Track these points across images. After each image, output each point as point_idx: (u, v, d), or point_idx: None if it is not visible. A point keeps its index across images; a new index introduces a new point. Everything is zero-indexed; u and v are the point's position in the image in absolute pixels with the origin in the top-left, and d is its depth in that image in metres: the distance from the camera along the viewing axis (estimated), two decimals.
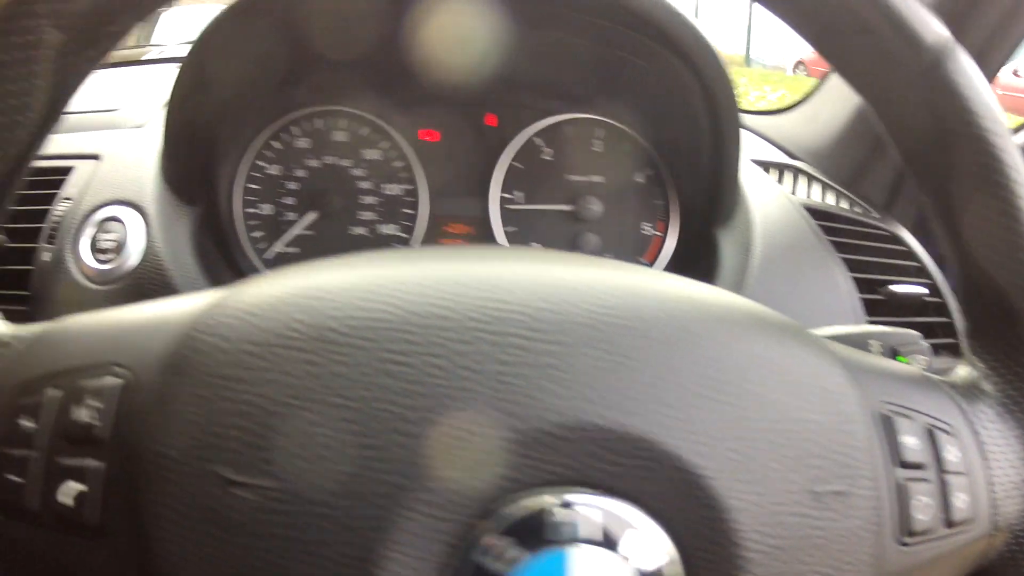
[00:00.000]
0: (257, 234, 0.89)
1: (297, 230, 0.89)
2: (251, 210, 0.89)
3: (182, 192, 0.84)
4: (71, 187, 0.85)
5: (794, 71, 13.71)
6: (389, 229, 0.92)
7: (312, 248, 0.90)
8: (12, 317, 0.48)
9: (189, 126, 0.83)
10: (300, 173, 0.89)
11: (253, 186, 0.89)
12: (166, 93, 0.81)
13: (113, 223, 0.81)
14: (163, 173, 0.83)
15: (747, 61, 13.85)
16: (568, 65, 0.91)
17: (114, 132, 0.94)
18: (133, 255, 0.79)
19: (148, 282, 0.78)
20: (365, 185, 0.91)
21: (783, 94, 11.13)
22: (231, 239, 0.90)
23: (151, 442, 0.32)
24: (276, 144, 0.90)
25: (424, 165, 0.92)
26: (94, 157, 0.88)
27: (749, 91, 11.46)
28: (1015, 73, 12.18)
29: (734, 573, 0.31)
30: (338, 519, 0.30)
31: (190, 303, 0.37)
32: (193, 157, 0.85)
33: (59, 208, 0.84)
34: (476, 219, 0.93)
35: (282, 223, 0.89)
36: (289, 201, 0.89)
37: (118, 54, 1.07)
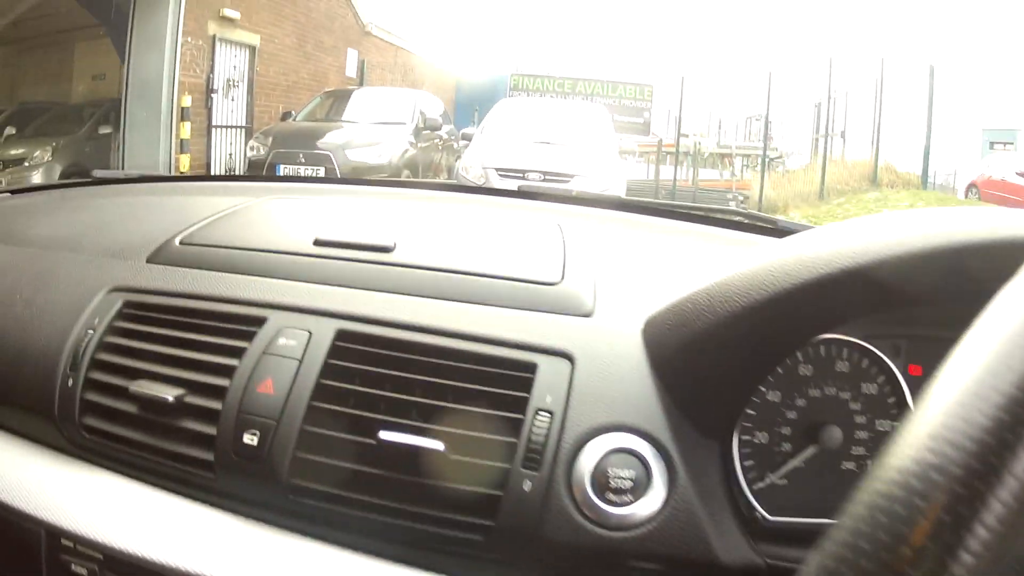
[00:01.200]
0: (748, 463, 0.82)
1: (795, 463, 0.81)
2: (746, 437, 0.82)
3: (701, 422, 0.78)
4: (540, 394, 0.80)
5: (966, 195, 13.41)
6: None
7: (801, 482, 0.82)
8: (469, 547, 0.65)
9: (711, 339, 0.77)
10: (800, 402, 0.83)
11: (751, 412, 0.82)
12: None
13: (622, 456, 0.75)
14: (678, 397, 0.79)
15: (924, 183, 13.42)
16: None
17: (576, 325, 0.88)
18: (655, 499, 0.74)
19: (674, 534, 0.73)
20: (860, 420, 0.84)
21: None
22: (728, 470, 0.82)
23: None
24: (778, 369, 0.83)
25: (914, 401, 0.84)
26: (565, 356, 0.83)
27: None
28: (1021, 175, 12.23)
29: None
30: None
31: None
32: (708, 378, 0.79)
33: (539, 423, 0.78)
34: None
35: (776, 454, 0.82)
36: (785, 431, 0.82)
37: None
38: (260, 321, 0.92)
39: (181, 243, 1.14)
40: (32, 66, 9.84)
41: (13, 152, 8.38)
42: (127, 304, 1.01)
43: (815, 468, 0.82)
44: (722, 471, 0.78)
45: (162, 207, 1.41)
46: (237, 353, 0.89)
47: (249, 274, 1.03)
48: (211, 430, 0.85)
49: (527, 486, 0.75)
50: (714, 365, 0.78)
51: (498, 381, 0.82)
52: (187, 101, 9.38)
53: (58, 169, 8.24)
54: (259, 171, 8.02)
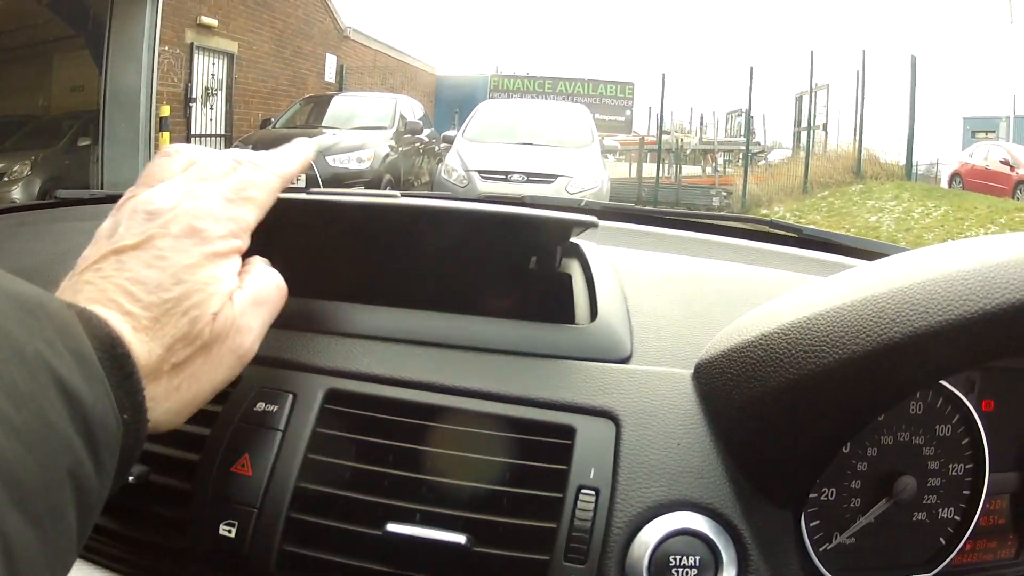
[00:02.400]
0: (814, 523, 0.70)
1: (866, 520, 0.70)
2: (812, 495, 0.70)
3: (774, 492, 0.66)
4: (582, 466, 0.66)
5: (950, 184, 13.43)
6: (946, 513, 0.75)
7: (869, 537, 0.71)
8: None
9: (792, 395, 0.63)
10: (871, 452, 0.72)
11: None
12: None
13: (684, 539, 0.62)
14: (746, 464, 0.67)
15: (908, 174, 13.40)
16: None
17: (616, 375, 0.73)
18: None
19: None
20: (933, 465, 0.74)
21: (946, 211, 10.98)
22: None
23: None
24: None
25: (989, 440, 0.75)
26: (608, 416, 0.69)
27: (912, 208, 11.30)
28: (1005, 162, 12.36)
29: None
30: None
31: None
32: (786, 440, 0.66)
33: (583, 503, 0.64)
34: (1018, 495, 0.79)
35: (844, 511, 0.71)
36: (855, 485, 0.71)
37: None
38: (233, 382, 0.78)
39: None
40: (8, 79, 9.76)
41: None
42: None
43: (884, 521, 0.71)
44: (795, 541, 0.67)
45: None
46: (207, 420, 0.73)
47: None
48: (184, 514, 0.70)
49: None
50: (794, 425, 0.64)
51: (530, 451, 0.68)
52: (166, 111, 9.32)
53: (37, 183, 8.12)
54: None
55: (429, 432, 0.71)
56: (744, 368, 0.66)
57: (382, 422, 0.72)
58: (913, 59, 12.74)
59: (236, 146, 8.89)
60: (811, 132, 14.87)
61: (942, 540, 0.74)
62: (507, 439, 0.69)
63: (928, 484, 0.73)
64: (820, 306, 0.63)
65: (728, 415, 0.68)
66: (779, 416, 0.64)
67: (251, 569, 0.68)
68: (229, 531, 0.68)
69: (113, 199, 1.57)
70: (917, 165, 13.95)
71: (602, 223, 1.03)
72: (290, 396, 0.74)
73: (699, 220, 1.38)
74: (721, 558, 0.61)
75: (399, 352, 0.79)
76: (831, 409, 0.62)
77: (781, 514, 0.65)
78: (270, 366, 0.78)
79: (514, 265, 1.04)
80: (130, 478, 0.71)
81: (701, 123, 17.83)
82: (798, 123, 15.47)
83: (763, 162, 15.36)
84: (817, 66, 14.59)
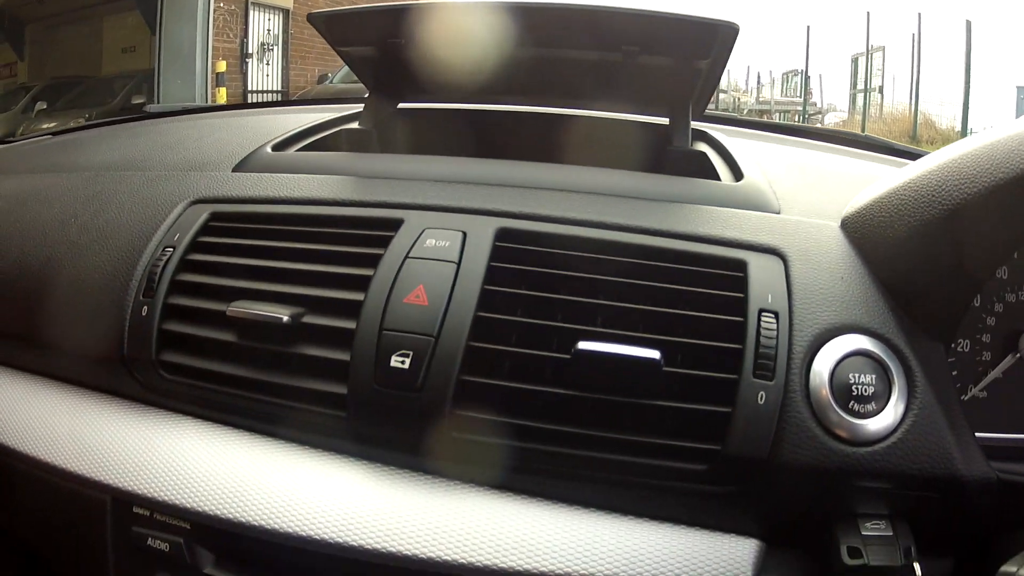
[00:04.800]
0: (953, 373, 0.72)
1: (995, 373, 0.72)
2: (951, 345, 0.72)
3: (929, 323, 0.68)
4: (759, 293, 0.69)
5: None
6: None
7: (1003, 392, 0.72)
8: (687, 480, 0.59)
9: (940, 229, 0.67)
10: (998, 308, 0.73)
11: None
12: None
13: (860, 359, 0.65)
14: (902, 297, 0.69)
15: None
16: None
17: (773, 222, 0.77)
18: (896, 408, 0.64)
19: (918, 446, 0.63)
20: None
21: None
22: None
23: None
24: None
25: None
26: (775, 253, 0.73)
27: None
28: None
29: None
30: None
31: None
32: (935, 273, 0.69)
33: (766, 324, 0.67)
34: None
35: (977, 363, 0.72)
36: (985, 339, 0.72)
37: None
38: (395, 224, 0.76)
39: (275, 148, 0.99)
40: (60, 43, 9.84)
41: (45, 126, 8.37)
42: (215, 216, 0.83)
43: (1014, 379, 0.73)
44: (948, 379, 0.68)
45: (240, 124, 1.17)
46: (370, 261, 0.73)
47: (371, 176, 0.87)
48: (342, 355, 0.69)
49: (761, 399, 0.63)
50: (943, 258, 0.68)
51: (704, 281, 0.70)
52: (222, 67, 9.35)
53: None
54: None
55: (604, 265, 0.71)
56: (894, 209, 0.71)
57: (555, 256, 0.72)
58: (968, 24, 12.39)
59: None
60: (867, 94, 14.55)
61: None
62: (683, 270, 0.71)
63: None
64: (963, 148, 0.67)
65: (883, 253, 0.72)
66: (931, 247, 0.68)
67: (424, 403, 0.66)
68: (402, 362, 0.66)
69: (205, 109, 1.59)
70: (972, 131, 13.64)
71: (716, 127, 1.11)
72: (460, 234, 0.73)
73: (801, 130, 1.40)
74: (893, 378, 0.65)
75: (565, 198, 0.80)
76: (977, 237, 0.66)
77: (936, 346, 0.68)
78: (433, 211, 0.77)
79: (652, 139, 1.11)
80: (283, 318, 0.71)
81: (758, 82, 17.54)
82: (854, 85, 15.14)
83: (819, 124, 15.07)
84: (873, 28, 14.26)
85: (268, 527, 0.65)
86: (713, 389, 0.65)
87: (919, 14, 13.17)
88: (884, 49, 14.59)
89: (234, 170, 0.92)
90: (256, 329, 0.72)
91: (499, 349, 0.67)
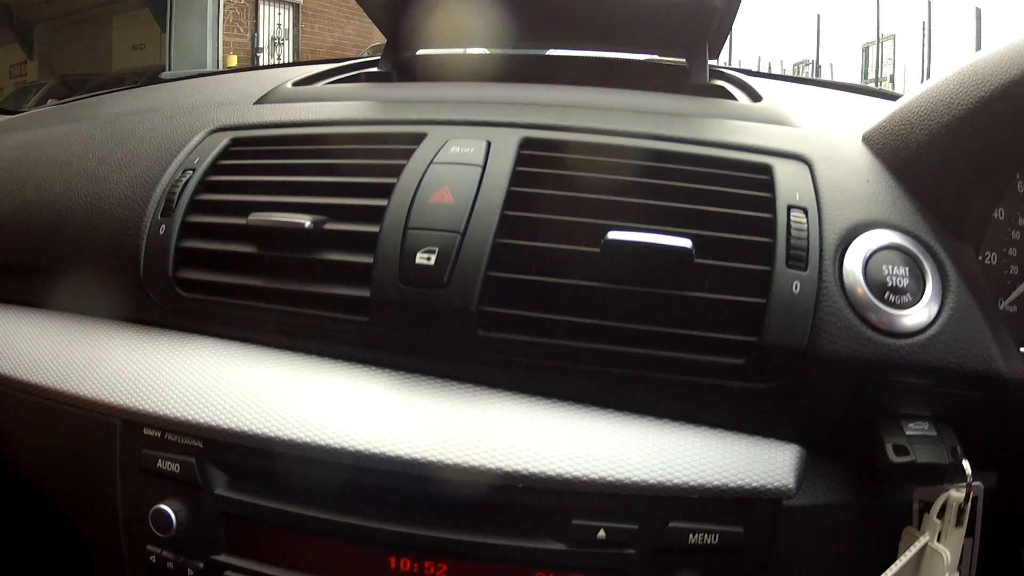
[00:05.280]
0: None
1: (1022, 289, 0.71)
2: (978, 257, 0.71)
3: (955, 223, 0.68)
4: (786, 192, 0.68)
5: None
6: None
7: None
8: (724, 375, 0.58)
9: (960, 130, 0.67)
10: (1022, 222, 0.72)
11: None
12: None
13: (891, 252, 0.64)
14: (928, 198, 0.68)
15: None
16: None
17: (796, 133, 0.78)
18: (932, 301, 0.63)
19: (957, 340, 0.61)
20: None
21: None
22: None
23: None
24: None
25: None
26: (799, 159, 0.72)
27: None
28: None
29: None
30: None
31: None
32: (957, 174, 0.68)
33: (795, 218, 0.66)
34: None
35: (1005, 277, 0.72)
36: (1012, 252, 0.72)
37: None
38: (418, 138, 0.75)
39: (296, 84, 0.97)
40: (69, 41, 9.90)
41: None
42: (236, 141, 0.82)
43: None
44: (979, 280, 0.67)
45: (259, 74, 1.17)
46: (394, 171, 0.72)
47: (393, 101, 0.86)
48: (365, 259, 0.67)
49: (796, 288, 0.62)
50: (963, 159, 0.67)
51: (731, 182, 0.69)
52: (234, 60, 9.39)
53: None
54: None
55: (631, 168, 0.70)
56: (914, 117, 0.71)
57: (580, 161, 0.71)
58: (978, 11, 12.35)
59: None
60: (878, 84, 14.52)
61: None
62: (708, 173, 0.70)
63: None
64: (979, 55, 0.68)
65: (905, 158, 0.71)
66: (951, 149, 0.67)
67: (450, 300, 0.64)
68: (428, 259, 0.65)
69: (205, 73, 1.58)
70: None
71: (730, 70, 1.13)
72: (485, 142, 0.73)
73: (821, 81, 1.43)
74: (926, 273, 0.64)
75: (587, 112, 0.79)
76: (995, 136, 0.65)
77: (965, 246, 0.67)
78: (456, 125, 0.77)
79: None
80: (305, 223, 0.69)
81: (769, 72, 17.58)
82: (865, 75, 15.11)
83: None
84: (883, 16, 14.22)
85: (287, 437, 0.63)
86: (746, 280, 0.63)
87: (929, 2, 13.14)
88: (895, 38, 14.55)
89: (255, 104, 0.92)
90: (277, 237, 0.71)
91: (527, 245, 0.66)
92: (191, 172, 0.78)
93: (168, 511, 0.66)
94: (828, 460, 0.64)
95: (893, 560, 0.60)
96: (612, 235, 0.63)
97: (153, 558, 0.69)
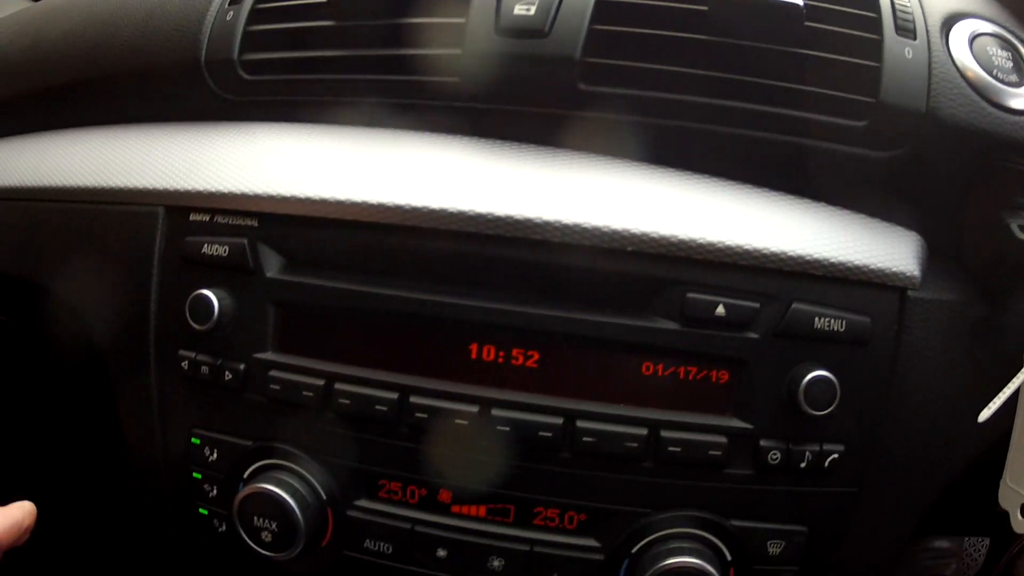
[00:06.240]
0: None
1: None
2: None
3: None
4: None
5: None
6: None
7: None
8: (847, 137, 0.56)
9: None
10: None
11: None
12: None
13: (991, 39, 0.63)
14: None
15: None
16: None
17: None
18: None
19: None
20: None
21: None
22: None
23: None
24: None
25: None
26: None
27: None
28: None
29: None
30: None
31: None
32: None
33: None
34: None
35: None
36: None
37: None
38: None
39: None
40: None
41: None
42: None
43: None
44: None
45: None
46: None
47: None
48: (457, 19, 0.63)
49: (908, 53, 0.60)
50: None
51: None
52: None
53: None
54: None
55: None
56: None
57: None
58: None
59: None
60: None
61: None
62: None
63: None
64: None
65: None
66: None
67: (551, 49, 0.59)
68: (527, 9, 0.60)
69: None
70: None
71: None
72: None
73: None
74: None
75: None
76: None
77: None
78: None
79: None
80: None
81: None
82: None
83: None
84: None
85: (360, 200, 0.57)
86: (859, 46, 0.60)
87: None
88: None
89: None
90: (357, 4, 0.65)
91: (633, 1, 0.61)
92: None
93: (210, 295, 0.60)
94: (949, 261, 0.61)
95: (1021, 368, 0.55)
96: None
97: (185, 364, 0.61)
